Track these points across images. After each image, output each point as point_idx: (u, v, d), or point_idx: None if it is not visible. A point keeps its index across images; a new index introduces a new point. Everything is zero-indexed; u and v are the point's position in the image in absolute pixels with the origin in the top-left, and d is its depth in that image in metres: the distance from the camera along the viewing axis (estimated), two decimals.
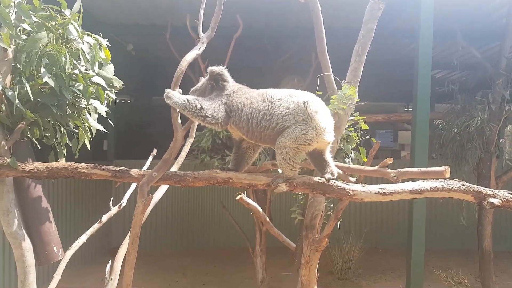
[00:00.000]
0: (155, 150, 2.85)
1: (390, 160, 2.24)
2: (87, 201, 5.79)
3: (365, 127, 2.90)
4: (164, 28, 4.86)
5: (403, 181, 2.17)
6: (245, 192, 3.45)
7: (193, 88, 2.03)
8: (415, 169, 2.26)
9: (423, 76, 4.13)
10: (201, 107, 1.79)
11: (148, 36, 5.30)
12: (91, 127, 2.15)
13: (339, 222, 2.93)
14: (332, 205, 3.08)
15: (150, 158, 2.79)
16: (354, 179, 2.43)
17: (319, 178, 1.80)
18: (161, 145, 3.68)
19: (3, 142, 1.84)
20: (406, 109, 10.96)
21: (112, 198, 2.74)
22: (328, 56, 2.78)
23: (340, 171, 2.46)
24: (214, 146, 4.42)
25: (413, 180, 2.02)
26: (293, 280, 4.02)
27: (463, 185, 1.80)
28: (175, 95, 1.82)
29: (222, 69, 1.93)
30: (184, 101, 1.80)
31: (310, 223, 2.91)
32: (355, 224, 6.83)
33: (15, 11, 1.65)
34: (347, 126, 2.87)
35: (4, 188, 1.89)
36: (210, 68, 1.93)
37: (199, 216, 6.86)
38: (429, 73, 4.18)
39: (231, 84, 1.94)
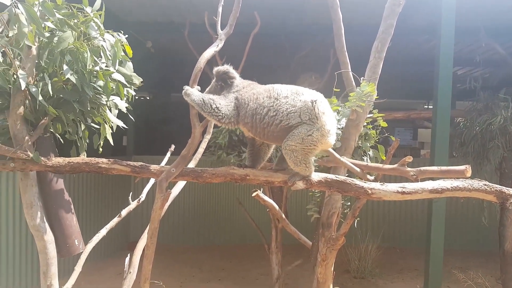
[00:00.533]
0: (173, 146, 2.89)
1: (409, 159, 2.20)
2: (105, 195, 5.90)
3: (384, 124, 2.86)
4: (182, 26, 4.90)
5: (422, 180, 2.14)
6: (261, 189, 3.46)
7: (204, 92, 2.04)
8: (435, 168, 2.22)
9: (445, 73, 4.04)
10: (216, 107, 1.80)
11: (166, 33, 5.35)
12: (112, 123, 2.20)
13: (356, 220, 2.91)
14: (349, 203, 3.05)
15: (168, 154, 2.82)
16: (372, 178, 2.41)
17: (337, 176, 1.79)
18: (178, 141, 3.72)
19: (27, 137, 1.89)
20: (426, 107, 10.75)
21: (131, 193, 2.79)
22: (346, 53, 2.76)
23: (358, 169, 2.45)
24: (231, 143, 4.44)
25: (433, 179, 1.99)
26: (309, 277, 4.02)
27: (485, 184, 1.76)
28: (193, 93, 1.84)
29: (227, 67, 1.93)
30: (200, 100, 1.81)
31: (327, 221, 2.90)
32: (372, 222, 6.76)
33: (40, 10, 1.69)
34: (365, 124, 2.84)
35: (28, 182, 1.95)
36: (215, 69, 1.94)
37: (215, 212, 6.91)
38: (450, 70, 4.09)
39: (239, 81, 1.95)
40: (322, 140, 1.74)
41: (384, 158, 2.82)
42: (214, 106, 1.80)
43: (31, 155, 1.85)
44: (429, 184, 1.82)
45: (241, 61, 4.02)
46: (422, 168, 2.20)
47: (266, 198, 3.11)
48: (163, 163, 2.60)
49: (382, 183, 1.76)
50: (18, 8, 1.57)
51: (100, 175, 4.94)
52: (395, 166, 2.27)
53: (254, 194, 2.92)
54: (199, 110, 1.83)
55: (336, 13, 2.67)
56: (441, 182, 1.85)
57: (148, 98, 8.54)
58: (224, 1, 2.15)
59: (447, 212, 4.29)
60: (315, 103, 1.73)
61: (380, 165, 2.40)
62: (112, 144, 2.27)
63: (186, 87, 1.87)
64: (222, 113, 1.80)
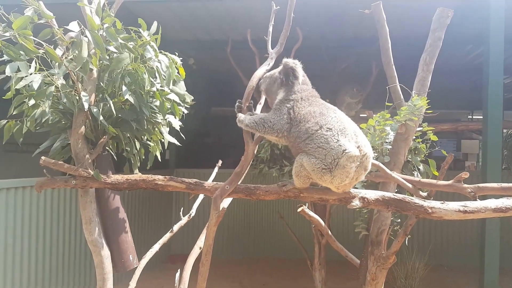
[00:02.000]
0: (220, 162, 2.92)
1: (465, 175, 2.11)
2: (149, 211, 6.07)
3: (434, 138, 2.77)
4: (224, 42, 5.02)
5: (480, 197, 2.04)
6: (306, 204, 3.42)
7: (265, 74, 2.01)
8: (495, 185, 2.11)
9: (495, 82, 3.88)
10: (269, 126, 1.80)
11: (208, 50, 5.50)
12: (163, 140, 2.27)
13: (407, 238, 2.81)
14: (399, 220, 2.95)
15: (216, 169, 2.86)
16: (424, 194, 2.32)
17: (395, 194, 1.74)
18: (218, 154, 3.78)
19: (87, 155, 1.98)
20: (470, 117, 10.30)
21: (182, 208, 2.85)
22: (394, 67, 2.71)
23: (410, 185, 2.37)
24: (273, 157, 4.46)
25: (494, 196, 1.89)
26: None
27: None
28: (245, 119, 1.86)
29: (295, 64, 1.90)
30: (253, 123, 1.82)
31: (376, 238, 2.81)
32: (418, 238, 6.50)
33: (103, 34, 1.78)
34: (414, 137, 2.75)
35: (87, 198, 2.04)
36: (284, 60, 1.90)
37: (256, 225, 6.90)
38: (501, 79, 3.93)
39: (301, 86, 1.90)
40: (327, 184, 1.73)
41: (436, 173, 2.71)
42: (266, 125, 1.80)
43: (91, 172, 1.94)
44: (492, 203, 1.73)
45: None
46: (480, 185, 2.10)
47: (311, 213, 3.07)
48: (210, 179, 2.64)
49: (442, 202, 1.69)
50: (85, 35, 1.67)
51: (145, 190, 5.09)
52: (450, 182, 2.18)
53: (299, 210, 2.89)
54: (255, 132, 1.85)
55: (383, 28, 2.63)
56: (505, 200, 1.76)
57: (189, 112, 8.73)
58: (265, 17, 2.18)
59: (501, 229, 4.06)
60: (345, 152, 1.67)
61: (434, 181, 2.32)
62: (160, 160, 2.34)
63: (239, 115, 1.89)
64: (276, 130, 1.80)
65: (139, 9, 4.18)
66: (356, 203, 1.69)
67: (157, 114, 2.09)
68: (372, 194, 1.73)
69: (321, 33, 4.84)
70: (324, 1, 3.94)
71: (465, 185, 2.10)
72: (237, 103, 1.93)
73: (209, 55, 5.91)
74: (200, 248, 2.55)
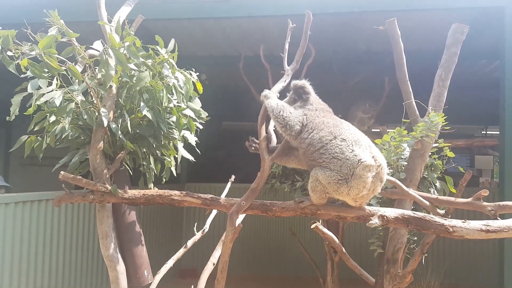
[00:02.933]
0: (233, 177, 2.92)
1: (485, 192, 2.07)
2: (159, 225, 6.07)
3: (451, 154, 2.73)
4: (236, 58, 5.08)
5: (500, 215, 2.00)
6: (320, 220, 3.39)
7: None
8: None
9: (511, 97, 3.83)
10: (285, 116, 1.83)
11: (221, 66, 5.56)
12: (176, 156, 2.28)
13: (423, 257, 2.75)
14: (415, 238, 2.90)
15: (229, 185, 2.86)
16: (442, 212, 2.28)
17: (414, 212, 1.71)
18: (229, 169, 3.77)
19: (105, 171, 2.00)
20: (484, 133, 10.17)
21: (196, 223, 2.84)
22: (409, 82, 2.70)
23: (427, 203, 2.33)
24: (285, 172, 4.43)
25: None
26: None
27: None
28: (273, 97, 1.90)
29: (304, 83, 1.96)
30: (275, 104, 1.86)
31: (392, 256, 2.76)
32: (433, 257, 6.35)
33: (124, 53, 1.82)
34: (430, 154, 2.73)
35: (104, 213, 2.05)
36: (293, 82, 1.97)
37: (267, 241, 6.84)
38: None
39: (315, 99, 1.97)
40: (344, 196, 1.72)
41: (453, 190, 2.67)
42: (284, 114, 1.83)
43: (109, 187, 1.95)
44: None
45: None
46: (501, 203, 2.06)
47: (325, 230, 3.04)
48: (223, 195, 2.64)
49: (463, 221, 1.66)
50: (109, 53, 1.71)
51: (152, 206, 5.11)
52: (469, 200, 2.14)
53: (313, 226, 2.86)
54: (270, 113, 1.87)
55: (397, 44, 2.64)
56: None
57: (201, 127, 8.82)
58: (278, 34, 2.21)
59: None
60: (361, 162, 1.66)
61: (452, 199, 2.28)
62: (175, 175, 2.36)
63: (267, 90, 1.93)
64: (287, 124, 1.82)
65: (154, 26, 4.26)
66: (375, 221, 1.67)
67: (173, 129, 2.11)
68: (391, 212, 1.70)
69: (333, 48, 4.87)
70: (337, 18, 3.97)
71: (485, 203, 2.06)
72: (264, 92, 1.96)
73: (222, 71, 5.98)
74: (214, 264, 2.53)
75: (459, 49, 2.63)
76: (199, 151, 2.38)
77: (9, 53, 1.65)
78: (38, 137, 2.03)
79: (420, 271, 5.29)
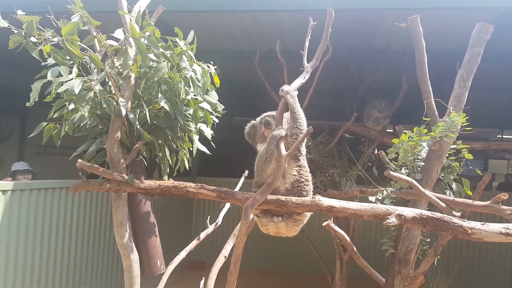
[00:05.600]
0: (246, 171, 2.92)
1: (504, 196, 2.03)
2: (169, 217, 6.11)
3: (469, 156, 2.68)
4: (252, 53, 5.05)
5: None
6: (332, 218, 3.37)
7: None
8: None
9: None
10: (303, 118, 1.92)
11: (235, 60, 5.53)
12: (191, 148, 2.28)
13: (436, 258, 2.72)
14: (428, 239, 2.86)
15: (242, 179, 2.85)
16: (458, 214, 2.25)
17: (433, 212, 1.69)
18: (239, 164, 3.76)
19: (122, 160, 2.01)
20: (500, 136, 10.00)
21: (209, 216, 2.85)
22: (429, 81, 2.66)
23: (443, 204, 2.30)
24: None
25: None
26: None
27: None
28: (295, 97, 1.95)
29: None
30: (298, 106, 1.93)
31: (404, 257, 2.74)
32: (443, 260, 6.28)
33: (145, 43, 1.82)
34: (447, 155, 2.68)
35: (119, 202, 2.06)
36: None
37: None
38: None
39: None
40: None
41: (469, 193, 2.63)
42: (302, 115, 1.94)
43: (125, 177, 1.96)
44: None
45: (311, 87, 4.03)
46: None
47: (337, 228, 3.02)
48: (237, 188, 2.64)
49: (483, 223, 1.63)
50: (129, 42, 1.71)
51: (165, 197, 5.15)
52: (487, 203, 2.10)
53: (324, 224, 2.84)
54: (292, 105, 1.93)
55: (419, 41, 2.60)
56: None
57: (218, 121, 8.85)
58: (295, 30, 2.19)
59: None
60: None
61: (469, 201, 2.24)
62: (188, 168, 2.36)
63: (288, 86, 2.00)
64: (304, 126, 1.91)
65: (171, 18, 4.25)
66: (392, 220, 1.65)
67: (190, 122, 2.11)
68: (409, 212, 1.68)
69: (351, 45, 4.81)
70: (357, 14, 3.91)
71: (504, 207, 2.02)
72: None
73: (236, 66, 5.96)
74: (225, 257, 2.54)
75: (482, 49, 2.57)
76: (213, 145, 2.37)
77: (32, 39, 1.66)
78: (57, 125, 2.04)
79: (429, 273, 5.23)
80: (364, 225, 6.30)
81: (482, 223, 1.64)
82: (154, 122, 2.03)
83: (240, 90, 7.18)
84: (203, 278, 2.38)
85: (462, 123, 2.22)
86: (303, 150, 1.96)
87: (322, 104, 6.15)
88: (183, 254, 2.40)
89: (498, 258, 6.24)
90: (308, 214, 1.99)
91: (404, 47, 4.45)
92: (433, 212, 1.70)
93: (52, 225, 3.71)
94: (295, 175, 1.90)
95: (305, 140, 1.94)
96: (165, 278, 2.27)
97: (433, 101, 2.63)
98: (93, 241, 4.31)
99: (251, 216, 1.88)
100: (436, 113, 2.62)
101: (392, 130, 5.90)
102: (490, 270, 6.29)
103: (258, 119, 2.15)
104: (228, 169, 7.10)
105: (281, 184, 1.88)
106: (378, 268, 3.33)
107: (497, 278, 6.24)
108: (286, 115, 1.99)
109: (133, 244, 2.09)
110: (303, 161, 1.95)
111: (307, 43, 2.10)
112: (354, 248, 3.17)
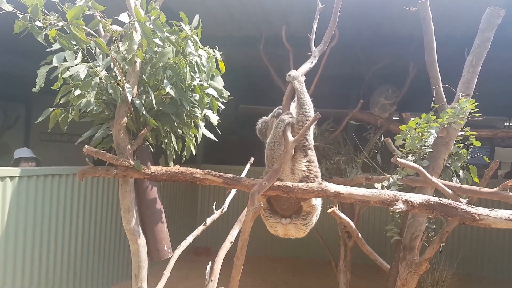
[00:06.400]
0: (252, 158, 2.92)
1: None
2: (174, 203, 6.15)
3: (477, 143, 2.66)
4: (257, 39, 4.99)
5: None
6: (337, 205, 3.37)
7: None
8: None
9: None
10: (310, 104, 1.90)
11: (240, 46, 5.48)
12: (197, 135, 2.28)
13: (441, 245, 2.72)
14: (434, 226, 2.86)
15: (248, 166, 2.85)
16: (464, 201, 2.24)
17: (440, 199, 1.68)
18: (244, 152, 3.76)
19: (128, 146, 2.01)
20: (507, 124, 9.91)
21: (215, 202, 2.86)
22: (437, 67, 2.62)
23: (450, 191, 2.29)
24: None
25: None
26: None
27: None
28: (303, 83, 1.93)
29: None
30: (306, 92, 1.92)
31: (409, 244, 2.74)
32: (447, 247, 6.30)
33: (150, 27, 1.80)
34: (455, 142, 2.66)
35: (127, 187, 2.07)
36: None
37: None
38: None
39: None
40: None
41: (476, 180, 2.61)
42: (309, 101, 1.91)
43: (132, 163, 1.96)
44: None
45: (317, 73, 3.99)
46: None
47: (342, 215, 3.02)
48: (243, 175, 2.64)
49: (491, 209, 1.62)
50: (135, 26, 1.69)
51: (171, 183, 5.18)
52: (495, 190, 2.09)
53: (330, 211, 2.84)
54: (300, 98, 1.91)
55: (428, 26, 2.55)
56: None
57: (224, 107, 8.82)
58: (301, 15, 2.15)
59: None
60: None
61: (476, 188, 2.23)
62: (194, 154, 2.36)
63: (295, 71, 1.98)
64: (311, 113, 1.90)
65: (175, 3, 4.21)
66: (400, 206, 1.64)
67: (195, 108, 2.10)
68: (416, 198, 1.67)
69: (357, 30, 4.74)
70: None
71: None
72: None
73: (241, 52, 5.90)
74: (231, 242, 2.55)
75: (493, 34, 2.52)
76: (219, 132, 2.36)
77: (37, 23, 1.65)
78: (64, 110, 2.04)
79: (433, 261, 5.26)
80: (369, 212, 6.31)
81: (490, 209, 1.63)
82: (160, 108, 2.02)
83: (245, 77, 7.13)
84: (209, 262, 2.40)
85: (471, 109, 2.19)
86: (311, 140, 1.93)
87: (328, 91, 6.11)
88: (189, 239, 2.42)
89: (503, 246, 6.24)
90: (317, 213, 1.98)
91: (412, 32, 4.38)
92: (440, 198, 1.69)
93: (59, 211, 3.75)
94: (304, 170, 1.87)
95: (312, 128, 1.92)
96: (172, 262, 2.30)
97: (441, 87, 2.59)
98: (100, 226, 4.36)
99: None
100: (445, 99, 2.59)
101: (398, 118, 5.85)
102: (494, 257, 6.30)
103: (270, 114, 2.12)
104: (233, 157, 7.11)
105: (289, 179, 1.87)
106: (382, 255, 3.34)
107: (501, 266, 6.26)
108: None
109: (140, 229, 2.11)
110: (313, 156, 1.91)
111: (315, 27, 2.07)
112: (359, 234, 3.17)
